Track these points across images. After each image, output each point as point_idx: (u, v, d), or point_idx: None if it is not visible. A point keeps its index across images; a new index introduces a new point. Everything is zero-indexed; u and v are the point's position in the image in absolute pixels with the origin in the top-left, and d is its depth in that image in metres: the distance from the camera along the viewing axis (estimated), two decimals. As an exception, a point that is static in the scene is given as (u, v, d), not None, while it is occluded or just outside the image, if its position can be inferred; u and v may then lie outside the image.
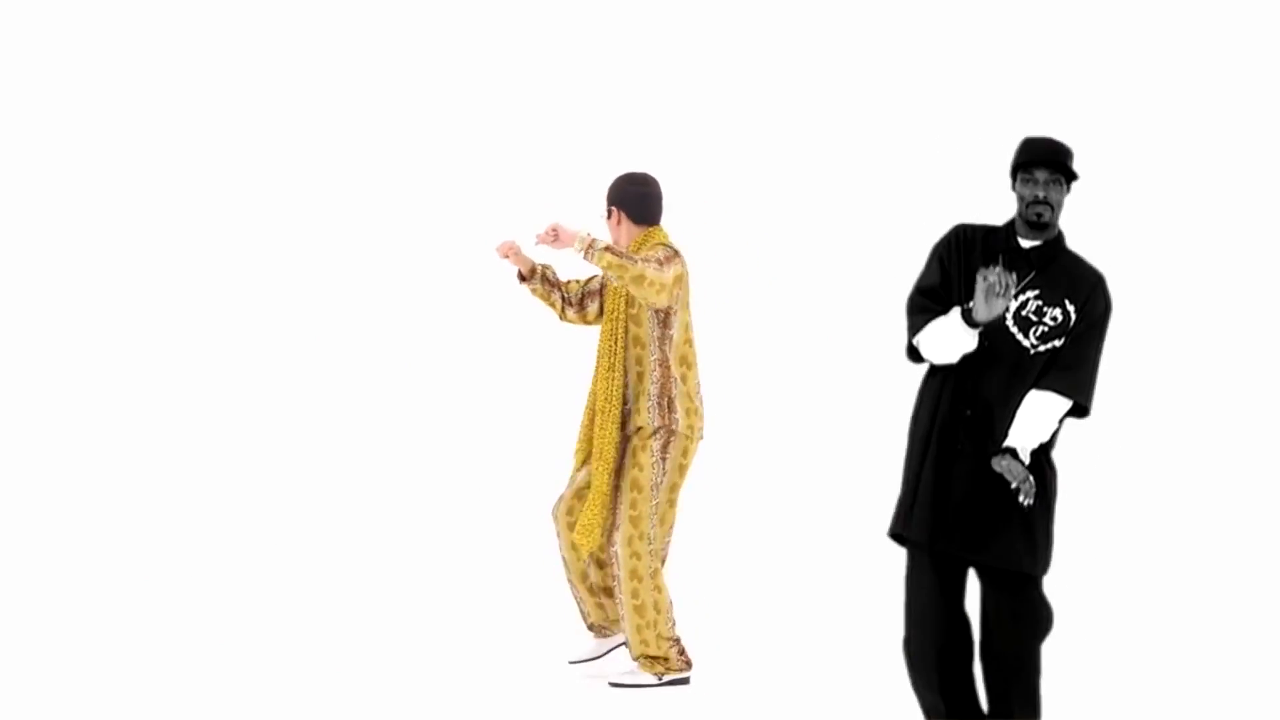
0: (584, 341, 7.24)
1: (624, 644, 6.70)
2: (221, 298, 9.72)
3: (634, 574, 6.42)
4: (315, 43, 9.73)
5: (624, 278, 6.20)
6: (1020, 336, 4.85)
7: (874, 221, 9.41)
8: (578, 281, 6.66)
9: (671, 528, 6.53)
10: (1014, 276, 4.73)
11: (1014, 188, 4.95)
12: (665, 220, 6.66)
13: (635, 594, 6.41)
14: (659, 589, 6.44)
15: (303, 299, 9.74)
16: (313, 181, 9.75)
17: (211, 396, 9.62)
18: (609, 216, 6.55)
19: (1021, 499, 4.70)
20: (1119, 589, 8.04)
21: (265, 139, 9.74)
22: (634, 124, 9.55)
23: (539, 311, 7.02)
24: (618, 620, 6.67)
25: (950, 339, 4.83)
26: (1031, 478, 4.71)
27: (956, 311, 4.82)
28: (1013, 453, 4.72)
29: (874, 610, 7.63)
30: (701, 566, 8.40)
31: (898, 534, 4.98)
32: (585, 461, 6.58)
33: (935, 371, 4.93)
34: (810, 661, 6.92)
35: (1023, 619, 4.85)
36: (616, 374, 6.43)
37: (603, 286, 6.60)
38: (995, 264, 4.82)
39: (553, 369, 8.96)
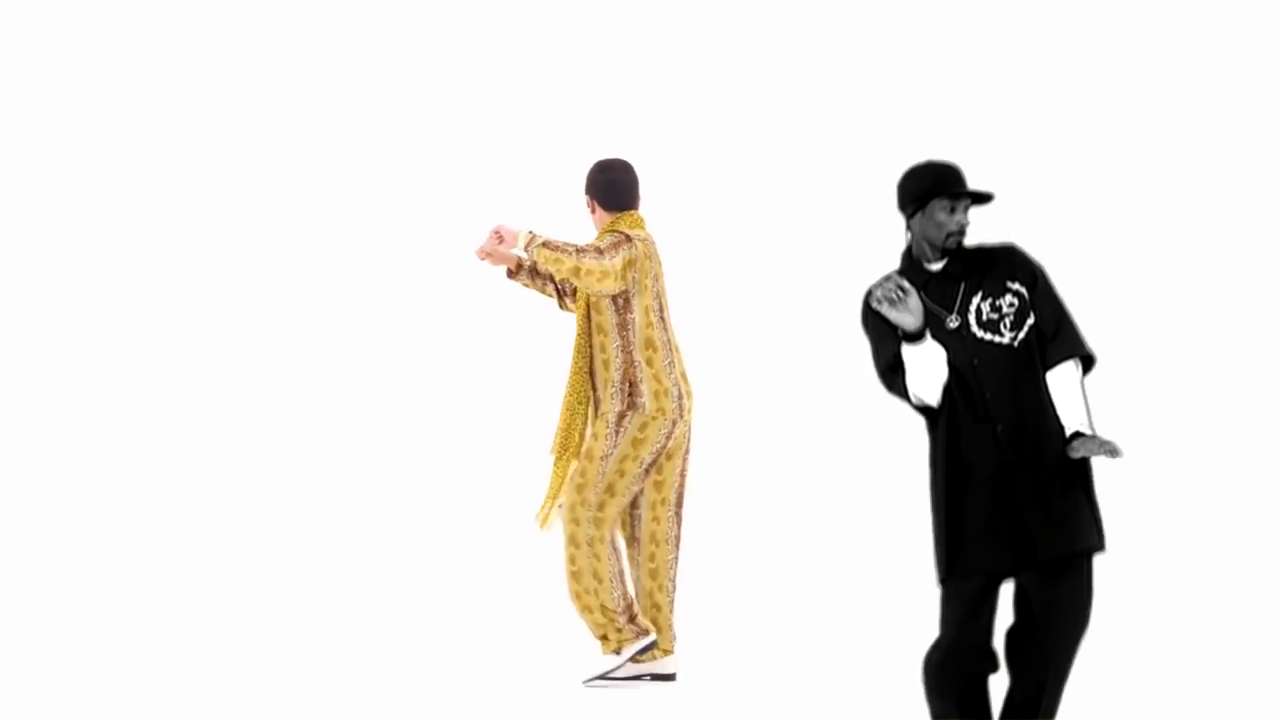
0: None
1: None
2: (215, 301, 9.71)
3: (572, 539, 6.43)
4: (308, 44, 9.73)
5: (561, 271, 6.28)
6: (996, 338, 4.83)
7: (867, 218, 9.39)
8: None
9: (621, 500, 6.46)
10: (892, 280, 4.68)
11: (916, 216, 4.87)
12: (659, 211, 6.70)
13: (573, 559, 6.42)
14: (598, 557, 6.41)
15: (297, 302, 9.72)
16: (304, 182, 9.74)
17: (206, 400, 9.60)
18: (588, 204, 6.63)
19: (1112, 457, 4.68)
20: (1118, 587, 8.02)
21: (256, 141, 9.72)
22: (625, 121, 9.53)
23: (534, 307, 7.03)
24: (663, 647, 6.60)
25: (920, 368, 4.78)
26: (1104, 440, 4.69)
27: (903, 349, 4.77)
28: (1078, 435, 4.71)
29: (870, 610, 7.63)
30: (694, 567, 8.39)
31: (949, 579, 4.87)
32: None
33: (938, 418, 4.86)
34: (804, 663, 6.90)
35: (1072, 599, 4.78)
36: (583, 361, 6.46)
37: None
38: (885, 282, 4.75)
39: (552, 367, 8.97)
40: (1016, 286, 4.84)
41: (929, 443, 4.90)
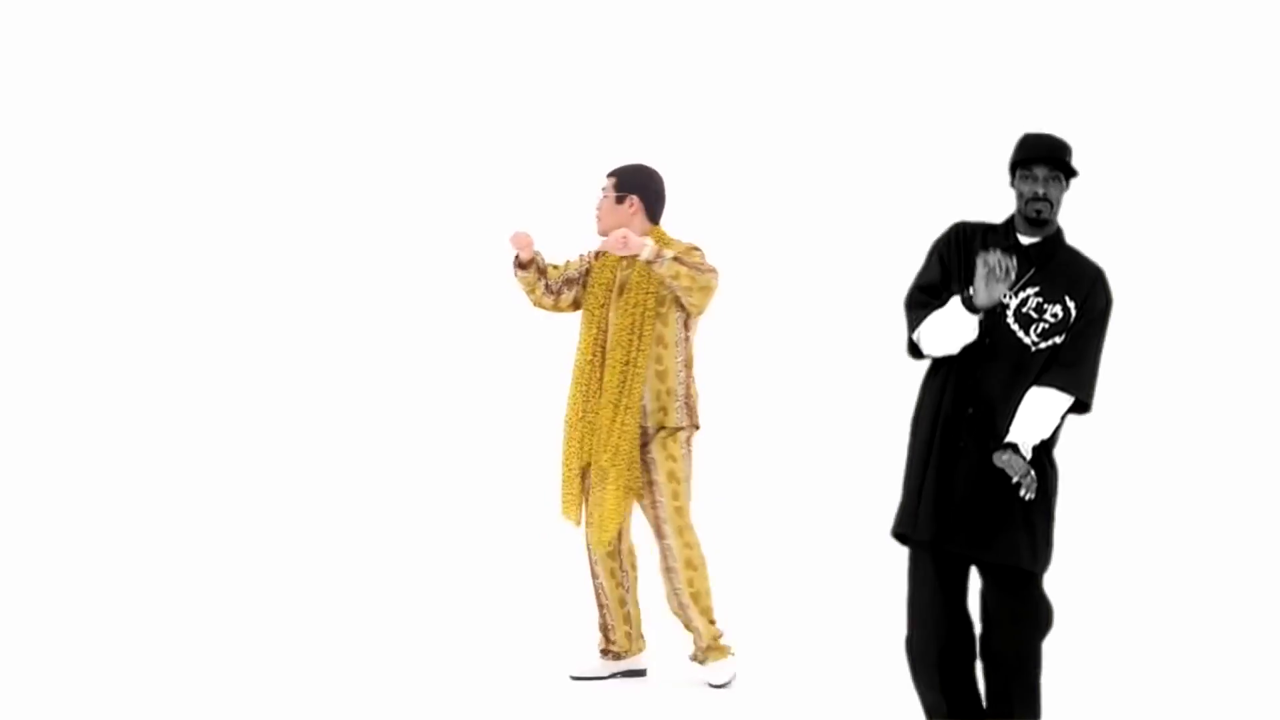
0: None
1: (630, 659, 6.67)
2: (215, 300, 9.71)
3: (689, 563, 6.40)
4: (313, 43, 9.73)
5: (694, 287, 6.27)
6: (1021, 334, 4.84)
7: (875, 218, 9.40)
8: (557, 268, 6.61)
9: None
10: (1014, 260, 4.72)
11: (1013, 184, 4.94)
12: (674, 215, 6.70)
13: (691, 583, 6.41)
14: (706, 576, 6.48)
15: (298, 301, 9.72)
16: (306, 182, 9.74)
17: (209, 399, 9.61)
18: (621, 201, 6.51)
19: (1023, 493, 4.69)
20: (1118, 588, 8.03)
21: (262, 139, 9.73)
22: (630, 122, 9.54)
23: (532, 313, 7.02)
24: (639, 648, 6.65)
25: (950, 328, 4.82)
26: (1033, 471, 4.69)
27: (955, 300, 4.81)
28: (1014, 448, 4.71)
29: (873, 607, 7.63)
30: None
31: (901, 534, 4.96)
32: (587, 469, 6.53)
33: (936, 370, 4.92)
34: (810, 659, 6.91)
35: (1024, 617, 4.84)
36: (637, 370, 6.38)
37: (583, 275, 6.58)
38: (996, 249, 4.80)
39: (550, 371, 8.96)
40: (1070, 305, 4.85)
41: (919, 390, 4.95)
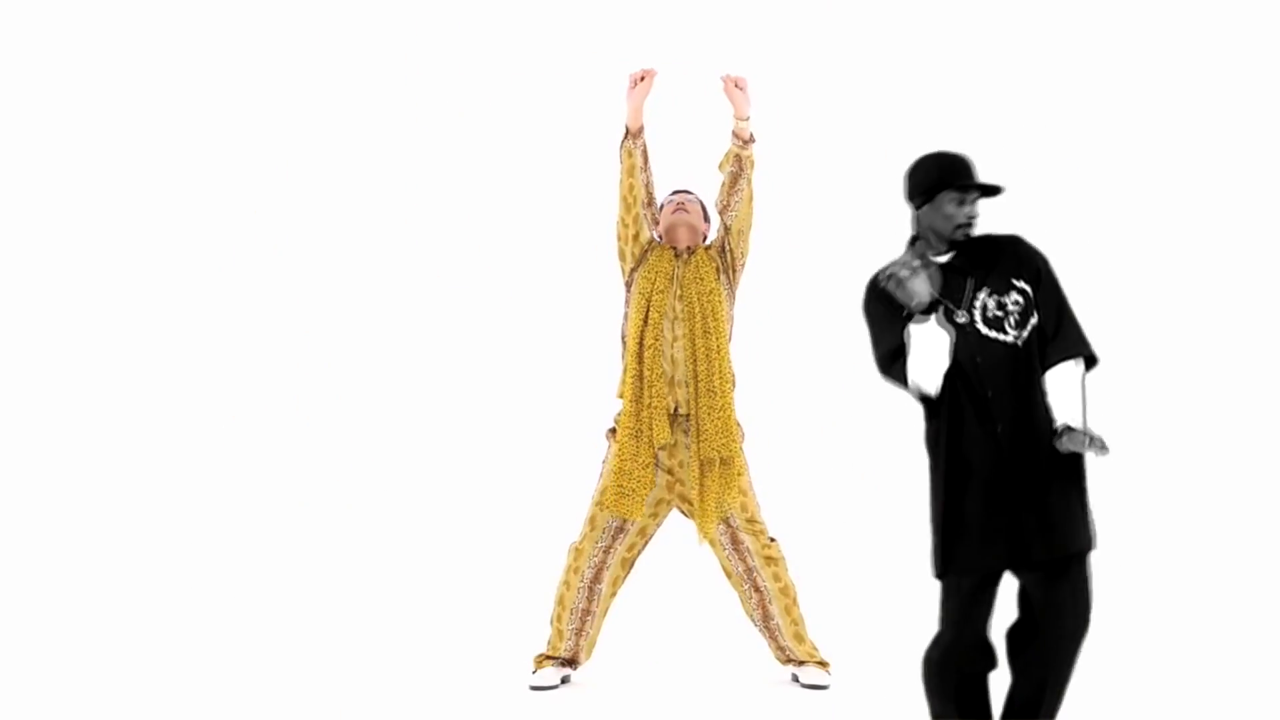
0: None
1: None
2: (224, 298, 9.70)
3: (775, 559, 6.41)
4: (310, 41, 9.72)
5: (750, 193, 6.38)
6: (1000, 336, 4.80)
7: (877, 224, 9.37)
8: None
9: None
10: (904, 258, 4.69)
11: (923, 207, 4.83)
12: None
13: (777, 576, 6.41)
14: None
15: (300, 301, 9.70)
16: (310, 183, 9.72)
17: (219, 401, 9.59)
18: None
19: (1097, 453, 4.63)
20: (1118, 588, 8.02)
21: (264, 138, 9.71)
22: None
23: (542, 313, 7.00)
24: (584, 659, 6.48)
25: (923, 354, 4.75)
26: (1095, 432, 4.65)
27: (907, 327, 4.74)
28: (1067, 429, 4.68)
29: (878, 606, 7.62)
30: (702, 565, 8.38)
31: (945, 573, 4.85)
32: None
33: (936, 413, 4.83)
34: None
35: (1082, 592, 4.76)
36: (724, 355, 6.30)
37: (648, 244, 6.45)
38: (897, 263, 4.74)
39: (552, 370, 8.95)
40: (1022, 284, 4.79)
41: (926, 431, 4.87)
